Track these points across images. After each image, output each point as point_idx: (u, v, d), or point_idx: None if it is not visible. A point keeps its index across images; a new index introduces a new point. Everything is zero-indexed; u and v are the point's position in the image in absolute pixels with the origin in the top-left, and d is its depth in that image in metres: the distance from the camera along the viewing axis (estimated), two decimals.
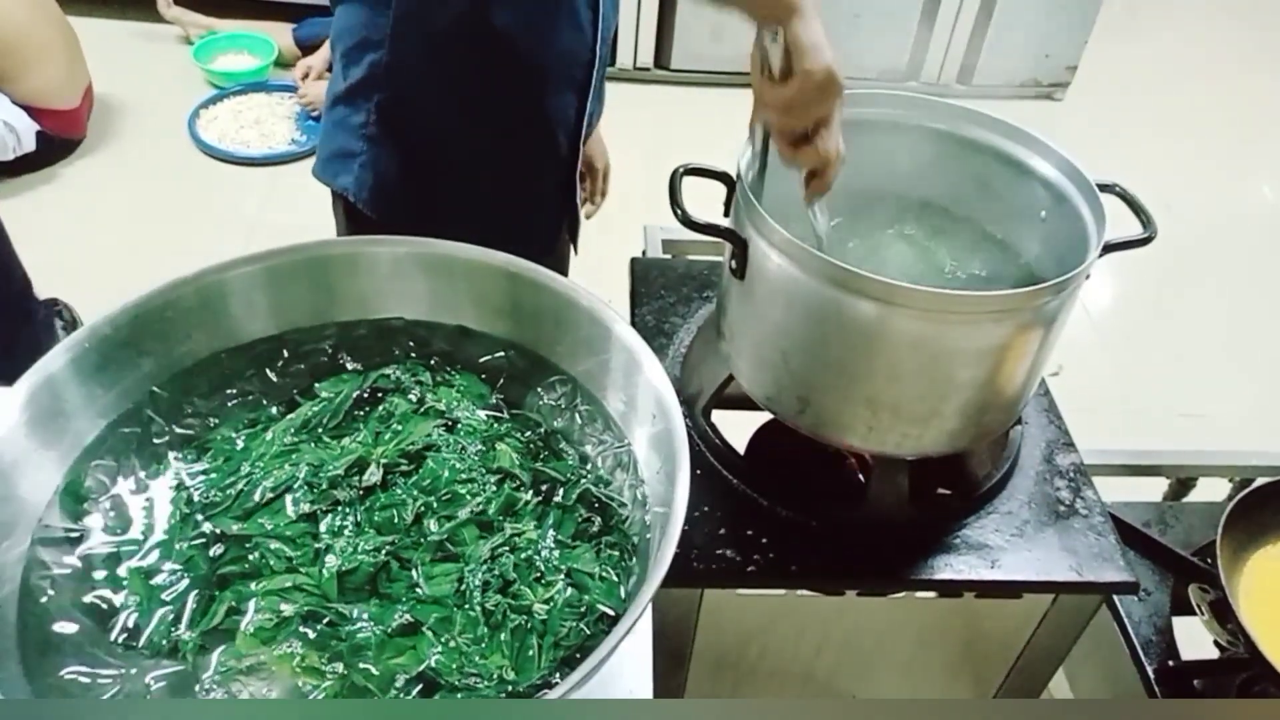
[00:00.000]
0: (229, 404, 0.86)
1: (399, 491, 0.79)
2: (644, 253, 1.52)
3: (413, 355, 0.91)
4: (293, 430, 0.83)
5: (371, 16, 1.17)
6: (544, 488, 0.82)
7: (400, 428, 0.84)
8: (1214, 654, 1.17)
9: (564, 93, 1.27)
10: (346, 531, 0.76)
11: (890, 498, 1.09)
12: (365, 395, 0.87)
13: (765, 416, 1.16)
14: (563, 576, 0.75)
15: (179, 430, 0.83)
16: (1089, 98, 3.48)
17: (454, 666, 0.69)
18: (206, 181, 2.83)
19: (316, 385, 0.88)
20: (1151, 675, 1.16)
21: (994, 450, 1.19)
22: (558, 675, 0.70)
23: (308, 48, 3.14)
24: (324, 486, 0.79)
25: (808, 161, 0.93)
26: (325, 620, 0.72)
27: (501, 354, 0.91)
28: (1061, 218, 1.06)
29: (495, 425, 0.86)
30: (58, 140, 2.72)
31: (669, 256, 1.50)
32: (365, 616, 0.72)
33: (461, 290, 0.90)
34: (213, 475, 0.80)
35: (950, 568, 1.06)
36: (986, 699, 1.30)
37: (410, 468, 0.81)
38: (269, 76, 3.16)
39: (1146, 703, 1.13)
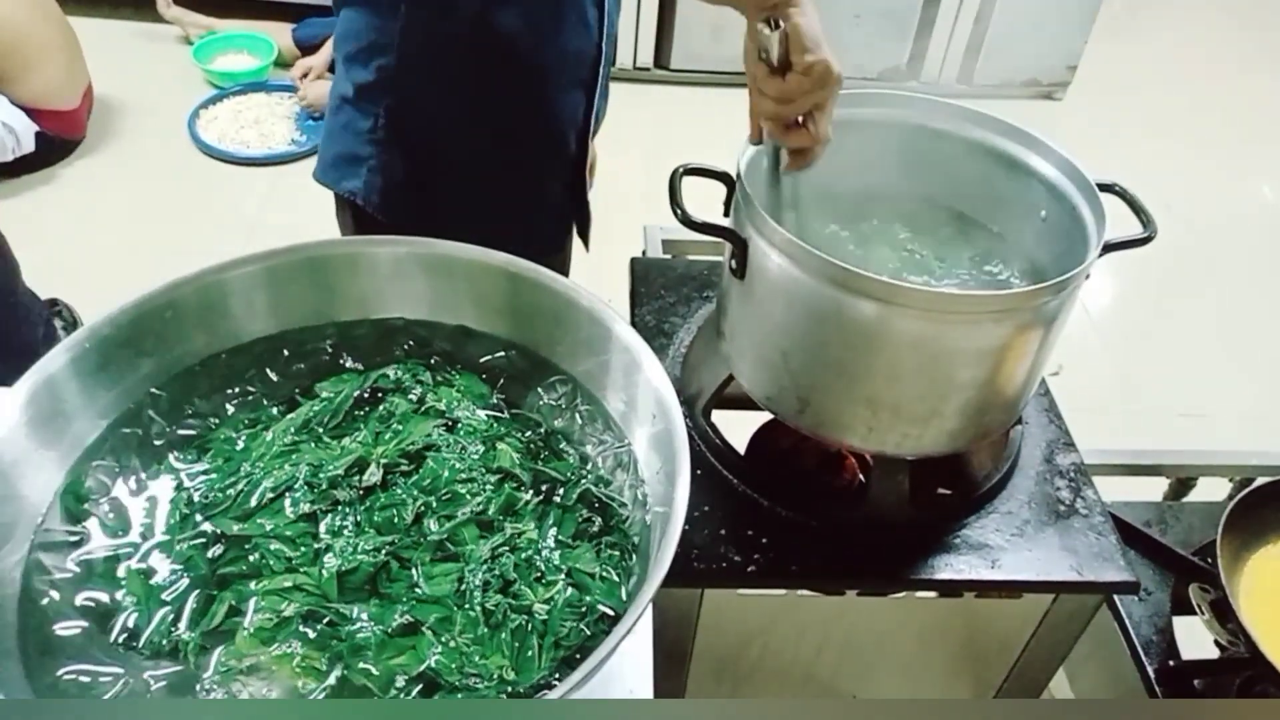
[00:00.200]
0: (229, 404, 0.86)
1: (399, 491, 0.79)
2: (644, 253, 1.52)
3: (413, 355, 0.91)
4: (293, 430, 0.83)
5: (379, 20, 1.17)
6: (544, 487, 0.82)
7: (400, 428, 0.84)
8: (1214, 654, 1.17)
9: (572, 91, 1.27)
10: (346, 531, 0.76)
11: (890, 498, 1.09)
12: (365, 395, 0.87)
13: (765, 416, 1.16)
14: (563, 576, 0.75)
15: (179, 430, 0.83)
16: (1089, 98, 3.48)
17: (454, 666, 0.69)
18: (206, 181, 2.83)
19: (317, 385, 0.88)
20: (1152, 675, 1.16)
21: (994, 450, 1.19)
22: (558, 675, 0.70)
23: (307, 48, 3.13)
24: (324, 486, 0.79)
25: (798, 142, 0.96)
26: (325, 620, 0.72)
27: (502, 354, 0.91)
28: (1061, 217, 1.06)
29: (495, 425, 0.86)
30: (57, 141, 2.72)
31: (669, 256, 1.50)
32: (365, 616, 0.72)
33: (462, 290, 0.90)
34: (213, 475, 0.80)
35: (950, 567, 1.06)
36: (986, 699, 1.30)
37: (410, 467, 0.81)
38: (269, 77, 3.16)
39: (1147, 703, 1.13)
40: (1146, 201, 1.04)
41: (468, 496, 0.79)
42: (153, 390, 0.83)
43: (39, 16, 2.59)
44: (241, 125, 2.98)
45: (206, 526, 0.76)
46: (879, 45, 3.29)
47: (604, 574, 0.76)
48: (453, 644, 0.71)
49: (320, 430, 0.84)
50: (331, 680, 0.69)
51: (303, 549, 0.75)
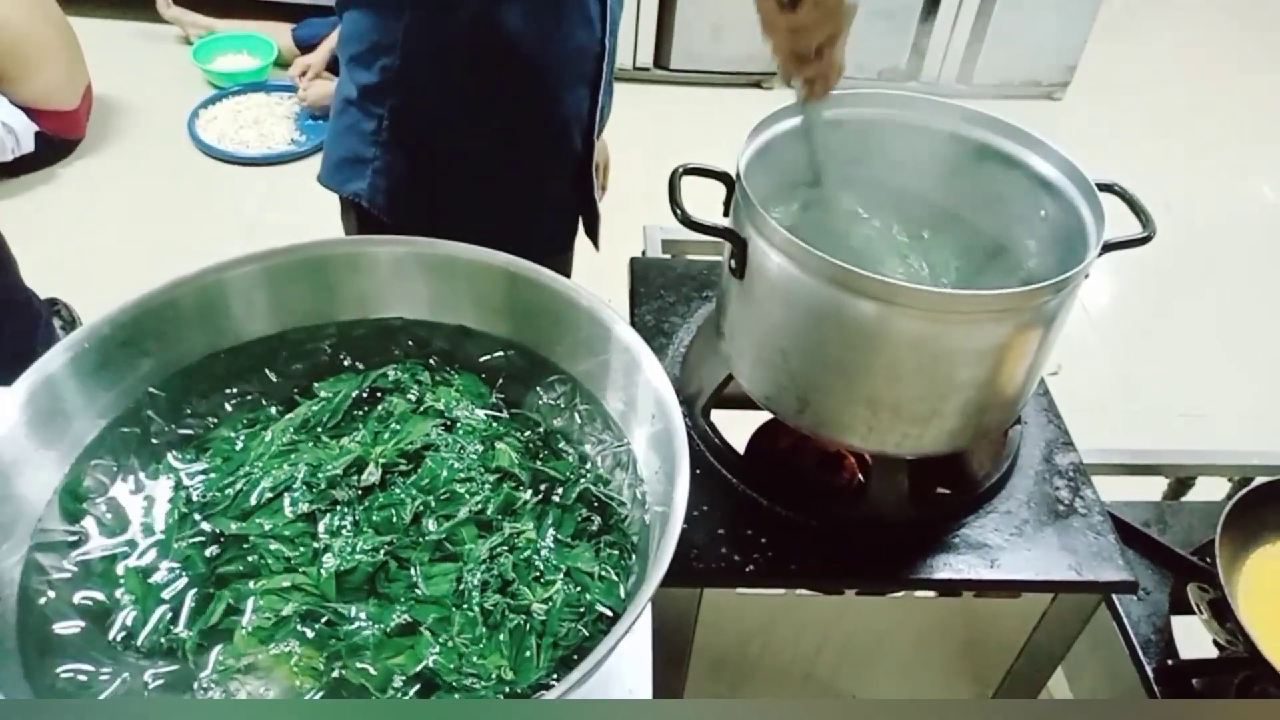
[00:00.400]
0: (228, 404, 0.86)
1: (398, 491, 0.79)
2: (644, 253, 1.52)
3: (412, 355, 0.91)
4: (291, 430, 0.83)
5: (382, 21, 1.17)
6: (543, 487, 0.82)
7: (399, 427, 0.84)
8: (1213, 653, 1.17)
9: (576, 89, 1.27)
10: (345, 531, 0.76)
11: (890, 497, 1.09)
12: (364, 395, 0.87)
13: (765, 416, 1.16)
14: (562, 576, 0.75)
15: (178, 430, 0.83)
16: (1089, 98, 3.49)
17: (452, 666, 0.69)
18: (206, 181, 2.83)
19: (316, 385, 0.87)
20: (1150, 674, 1.16)
21: (993, 450, 1.19)
22: (556, 675, 0.70)
23: (307, 48, 3.14)
24: (322, 486, 0.79)
25: (809, 72, 0.97)
26: (323, 620, 0.72)
27: (501, 354, 0.91)
28: (1061, 217, 1.06)
29: (494, 425, 0.86)
30: (57, 141, 2.72)
31: (669, 256, 1.50)
32: (363, 616, 0.72)
33: (461, 290, 0.90)
34: (212, 475, 0.80)
35: (950, 567, 1.06)
36: (986, 699, 1.30)
37: (409, 467, 0.81)
38: (268, 76, 3.17)
39: (1146, 702, 1.13)
40: (1146, 201, 1.04)
41: (466, 496, 0.79)
42: (152, 390, 0.83)
43: (39, 17, 2.59)
44: (241, 125, 2.98)
45: (205, 526, 0.76)
46: (879, 45, 3.29)
47: (603, 573, 0.76)
48: (451, 644, 0.71)
49: (319, 430, 0.84)
50: (329, 680, 0.69)
51: (301, 548, 0.75)
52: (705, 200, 1.05)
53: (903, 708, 0.75)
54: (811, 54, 0.95)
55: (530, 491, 0.81)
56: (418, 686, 0.69)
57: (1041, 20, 3.29)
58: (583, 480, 0.82)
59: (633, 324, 1.24)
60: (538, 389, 0.89)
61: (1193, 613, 1.18)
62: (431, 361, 0.90)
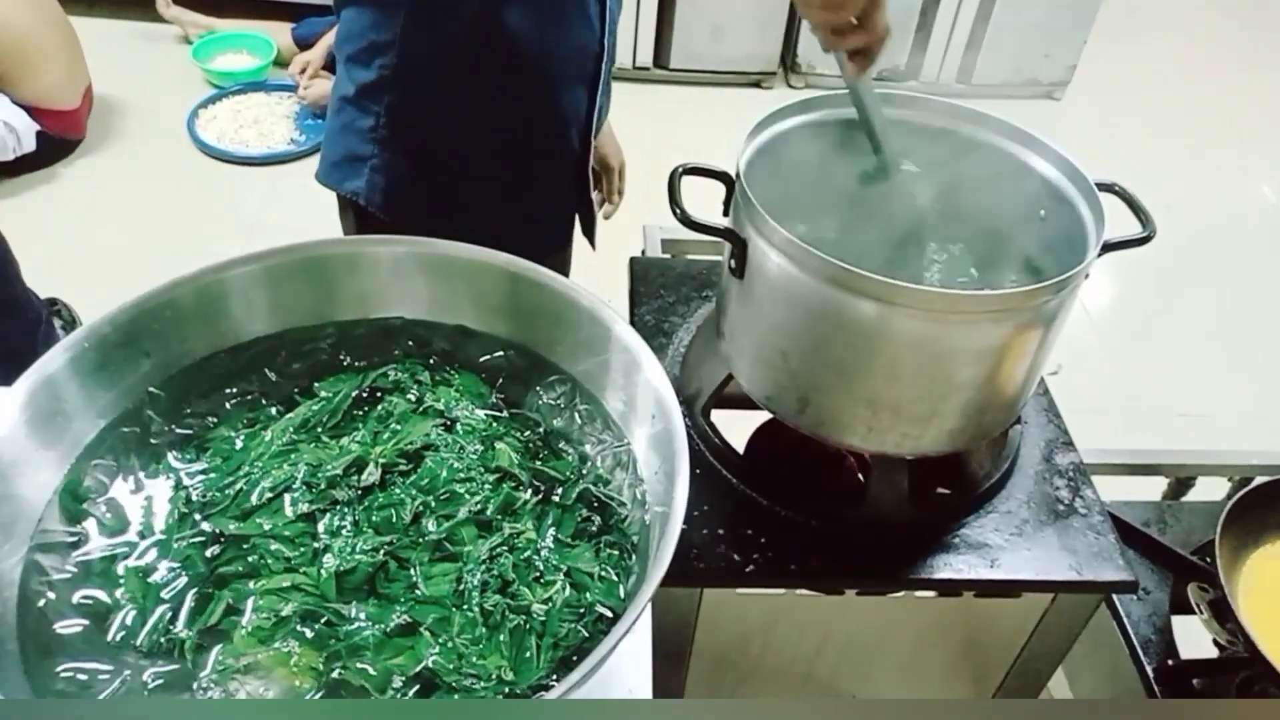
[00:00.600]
0: (228, 403, 0.86)
1: (397, 491, 0.79)
2: (644, 252, 1.52)
3: (412, 355, 0.91)
4: (291, 430, 0.83)
5: (380, 19, 1.17)
6: (543, 487, 0.82)
7: (399, 427, 0.84)
8: (1213, 653, 1.17)
9: (575, 88, 1.27)
10: (345, 531, 0.76)
11: (890, 497, 1.09)
12: (364, 395, 0.87)
13: (765, 416, 1.16)
14: (562, 576, 0.75)
15: (178, 430, 0.83)
16: (1089, 98, 3.49)
17: (452, 667, 0.69)
18: (206, 181, 2.83)
19: (315, 385, 0.87)
20: (1151, 674, 1.16)
21: (993, 450, 1.19)
22: (556, 676, 0.70)
23: (306, 47, 3.13)
24: (322, 486, 0.79)
25: (854, 42, 0.93)
26: (323, 620, 0.72)
27: (501, 354, 0.91)
28: (1061, 217, 1.06)
29: (494, 425, 0.86)
30: (58, 140, 2.73)
31: (669, 256, 1.50)
32: (363, 616, 0.72)
33: (461, 290, 0.90)
34: (211, 475, 0.80)
35: (950, 567, 1.06)
36: (986, 699, 1.30)
37: (409, 467, 0.81)
38: (268, 76, 3.17)
39: (1146, 702, 1.13)
40: (1146, 201, 1.04)
41: (466, 496, 0.79)
42: (152, 390, 0.83)
43: (40, 17, 2.59)
44: (241, 125, 2.98)
45: (205, 526, 0.76)
46: None
47: (603, 574, 0.76)
48: (451, 644, 0.71)
49: (319, 430, 0.84)
50: (329, 680, 0.69)
51: (301, 548, 0.75)
52: (705, 200, 1.05)
53: (903, 708, 0.75)
54: (849, 25, 0.92)
55: (530, 491, 0.81)
56: (417, 687, 0.69)
57: (1041, 20, 3.29)
58: (583, 480, 0.82)
59: (633, 324, 1.24)
60: (538, 389, 0.89)
61: (1193, 613, 1.18)
62: (431, 361, 0.90)
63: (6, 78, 2.57)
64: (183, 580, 0.73)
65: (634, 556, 0.77)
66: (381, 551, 0.75)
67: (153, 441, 0.82)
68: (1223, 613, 1.12)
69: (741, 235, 1.00)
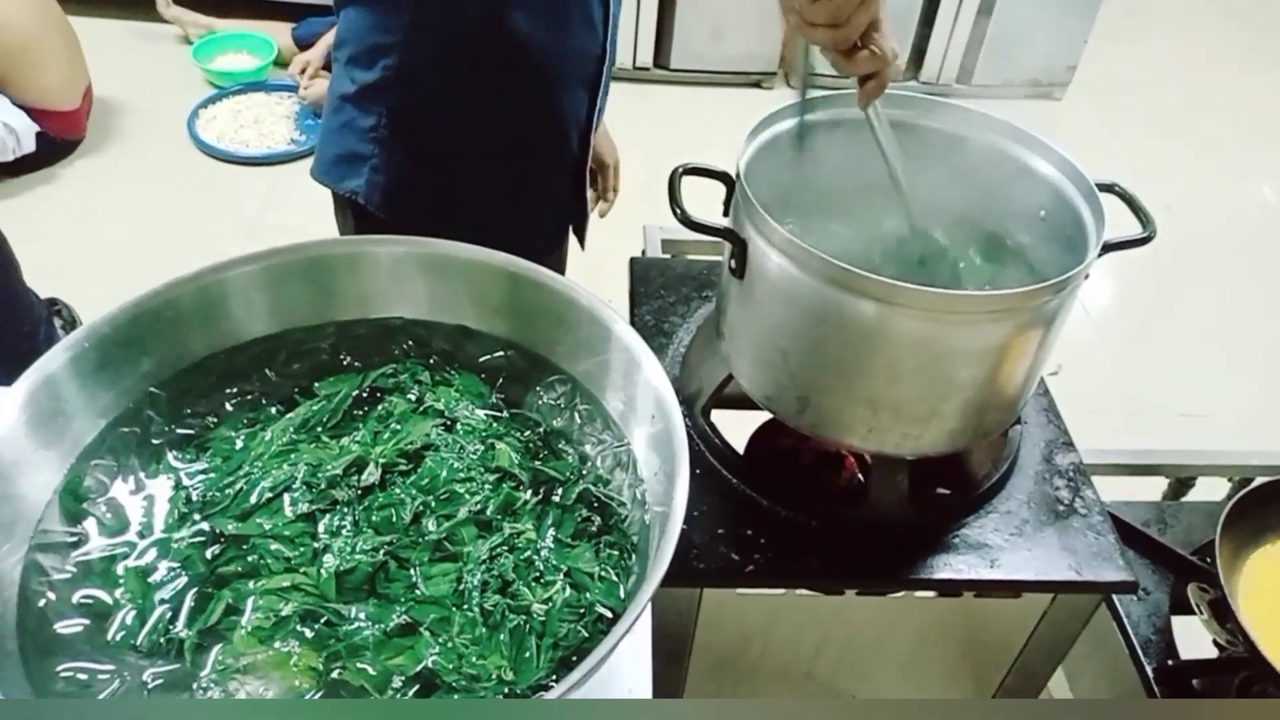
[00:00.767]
0: (228, 403, 0.86)
1: (397, 491, 0.79)
2: (643, 252, 1.52)
3: (412, 355, 0.91)
4: (291, 430, 0.83)
5: (383, 20, 1.17)
6: (543, 487, 0.82)
7: (399, 427, 0.84)
8: (1213, 653, 1.17)
9: (576, 90, 1.28)
10: (345, 531, 0.76)
11: (890, 497, 1.09)
12: (364, 395, 0.87)
13: (765, 416, 1.16)
14: (562, 576, 0.75)
15: (178, 430, 0.83)
16: (1089, 98, 3.49)
17: (452, 667, 0.69)
18: (206, 181, 2.83)
19: (315, 385, 0.87)
20: (1151, 674, 1.16)
21: (993, 450, 1.19)
22: (556, 676, 0.70)
23: (306, 47, 3.14)
24: (322, 486, 0.79)
25: (865, 67, 0.92)
26: (323, 620, 0.72)
27: (501, 354, 0.91)
28: (1061, 217, 1.06)
29: (494, 425, 0.86)
30: (58, 141, 2.73)
31: (669, 256, 1.50)
32: (363, 616, 0.72)
33: (461, 290, 0.90)
34: (211, 475, 0.80)
35: (950, 567, 1.06)
36: (986, 699, 1.30)
37: (409, 467, 0.81)
38: (268, 76, 3.17)
39: (1146, 702, 1.13)
40: (1146, 201, 1.04)
41: (466, 496, 0.79)
42: (152, 389, 0.83)
43: (40, 18, 2.59)
44: (241, 125, 2.98)
45: (205, 525, 0.76)
46: None
47: (603, 574, 0.76)
48: (451, 644, 0.71)
49: (319, 430, 0.84)
50: (328, 680, 0.69)
51: (301, 548, 0.75)
52: (705, 200, 1.05)
53: (903, 708, 0.75)
54: (856, 44, 0.90)
55: (530, 492, 0.81)
56: (417, 687, 0.69)
57: (1041, 20, 3.29)
58: (583, 480, 0.82)
59: (633, 324, 1.24)
60: (538, 389, 0.89)
61: (1193, 613, 1.18)
62: (431, 361, 0.90)
63: (6, 79, 2.57)
64: (183, 580, 0.73)
65: (634, 556, 0.77)
66: (381, 551, 0.75)
67: (153, 441, 0.82)
68: (1223, 613, 1.12)
69: (741, 235, 1.00)
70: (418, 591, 0.74)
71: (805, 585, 1.11)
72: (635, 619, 0.64)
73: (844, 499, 1.18)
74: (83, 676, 0.67)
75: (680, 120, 3.18)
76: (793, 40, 0.96)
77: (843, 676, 1.28)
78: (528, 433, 0.86)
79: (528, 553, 0.76)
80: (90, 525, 0.76)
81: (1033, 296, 0.93)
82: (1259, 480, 1.25)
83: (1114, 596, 1.21)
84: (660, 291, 1.34)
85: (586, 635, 0.72)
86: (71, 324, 2.21)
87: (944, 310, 0.92)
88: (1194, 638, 1.18)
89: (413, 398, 0.87)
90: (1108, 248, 0.99)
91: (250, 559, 0.75)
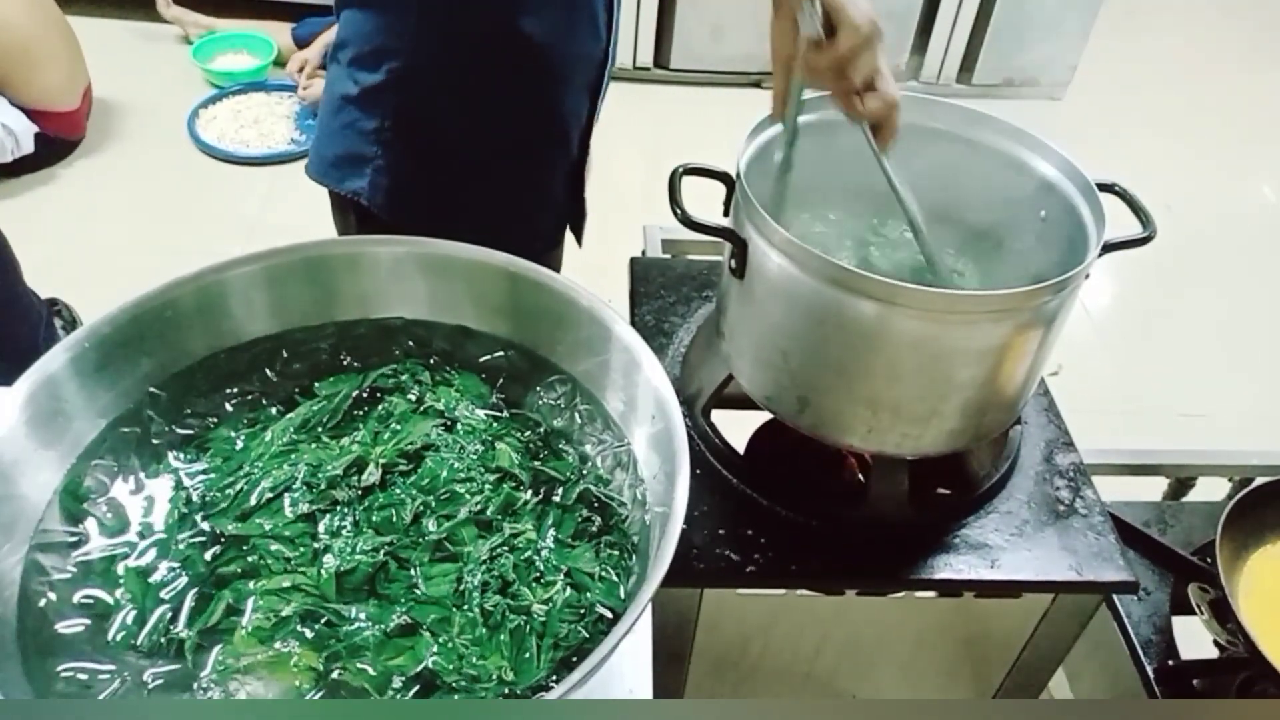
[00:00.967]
0: (228, 403, 0.86)
1: (398, 491, 0.79)
2: (644, 252, 1.52)
3: (412, 355, 0.91)
4: (292, 430, 0.83)
5: (389, 23, 1.17)
6: (543, 487, 0.82)
7: (399, 427, 0.84)
8: (1214, 653, 1.17)
9: (579, 93, 1.28)
10: (345, 531, 0.76)
11: (890, 498, 1.09)
12: (364, 395, 0.87)
13: (765, 416, 1.16)
14: (562, 576, 0.75)
15: (178, 430, 0.83)
16: (1089, 98, 3.48)
17: (452, 667, 0.69)
18: (206, 181, 2.83)
19: (316, 385, 0.87)
20: (1151, 675, 1.16)
21: (993, 450, 1.19)
22: (556, 676, 0.70)
23: (306, 47, 3.14)
24: (323, 486, 0.79)
25: (877, 112, 0.93)
26: (323, 620, 0.72)
27: (501, 354, 0.91)
28: (1061, 217, 1.06)
29: (494, 425, 0.86)
30: (57, 141, 2.72)
31: (669, 256, 1.50)
32: (363, 616, 0.72)
33: (461, 290, 0.90)
34: (212, 475, 0.80)
35: (950, 567, 1.06)
36: (986, 699, 1.30)
37: (409, 467, 0.81)
38: (268, 76, 3.16)
39: (1146, 702, 1.13)
40: (1146, 201, 1.04)
41: (466, 496, 0.79)
42: (152, 390, 0.83)
43: (39, 18, 2.59)
44: (241, 125, 2.98)
45: (205, 526, 0.76)
46: None
47: (603, 574, 0.76)
48: (451, 644, 0.71)
49: (319, 430, 0.84)
50: (329, 680, 0.69)
51: (301, 549, 0.75)
52: (705, 200, 1.05)
53: (903, 708, 0.75)
54: (862, 87, 0.92)
55: (530, 492, 0.81)
56: (417, 687, 0.69)
57: (1041, 20, 3.29)
58: (583, 481, 0.82)
59: (633, 324, 1.24)
60: (538, 389, 0.89)
61: (1193, 613, 1.18)
62: (432, 361, 0.90)
63: (6, 79, 2.56)
64: (183, 580, 0.73)
65: (634, 557, 0.77)
66: (381, 552, 0.75)
67: (153, 441, 0.82)
68: (1223, 613, 1.12)
69: (741, 235, 1.00)
70: (418, 592, 0.74)
71: (805, 585, 1.11)
72: (635, 619, 0.64)
73: (844, 499, 1.18)
74: (83, 676, 0.67)
75: (680, 120, 3.18)
76: (783, 93, 0.97)
77: (843, 676, 1.28)
78: (528, 433, 0.86)
79: (528, 553, 0.76)
80: (90, 525, 0.76)
81: (1033, 296, 0.93)
82: (1259, 480, 1.25)
83: (1114, 596, 1.21)
84: (660, 291, 1.34)
85: (587, 635, 0.72)
86: (71, 324, 2.21)
87: (944, 310, 0.92)
88: (1194, 638, 1.18)
89: (413, 398, 0.87)
90: (1108, 248, 0.99)
91: (250, 559, 0.75)
